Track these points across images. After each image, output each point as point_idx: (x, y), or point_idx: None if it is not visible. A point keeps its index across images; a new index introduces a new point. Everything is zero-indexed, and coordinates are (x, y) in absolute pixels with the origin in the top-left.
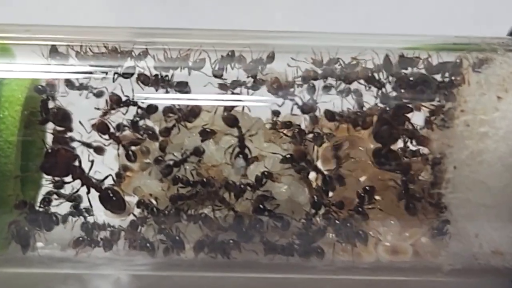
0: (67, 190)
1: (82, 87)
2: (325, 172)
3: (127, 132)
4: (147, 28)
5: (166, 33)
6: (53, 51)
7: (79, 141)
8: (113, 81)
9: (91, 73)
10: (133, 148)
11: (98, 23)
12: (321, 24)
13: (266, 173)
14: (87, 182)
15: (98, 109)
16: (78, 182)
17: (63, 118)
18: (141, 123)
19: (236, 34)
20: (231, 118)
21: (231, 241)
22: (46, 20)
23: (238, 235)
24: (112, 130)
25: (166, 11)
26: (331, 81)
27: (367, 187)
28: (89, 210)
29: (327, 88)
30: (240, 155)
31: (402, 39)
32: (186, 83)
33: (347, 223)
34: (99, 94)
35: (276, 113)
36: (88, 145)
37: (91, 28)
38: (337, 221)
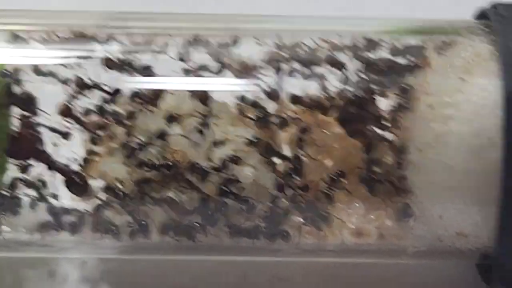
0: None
1: (46, 72)
2: (289, 156)
3: (94, 117)
4: (112, 12)
5: (131, 17)
6: (15, 37)
7: (44, 125)
8: (78, 66)
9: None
10: (100, 132)
11: (67, 7)
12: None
13: (231, 156)
14: (53, 165)
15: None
16: (43, 166)
17: (28, 102)
18: (108, 107)
19: (201, 18)
20: (203, 94)
21: (196, 224)
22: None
23: (203, 218)
24: (77, 114)
25: None
26: (296, 65)
27: (332, 171)
28: (55, 195)
29: (292, 72)
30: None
31: (368, 22)
32: (150, 67)
33: (311, 206)
34: (64, 80)
35: (241, 98)
36: (54, 130)
37: (56, 13)
38: (302, 204)
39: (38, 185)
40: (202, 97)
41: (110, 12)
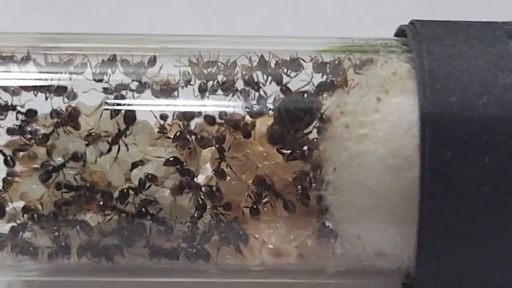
0: None
1: None
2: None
3: (12, 136)
4: (28, 32)
5: (48, 37)
6: None
7: None
8: None
9: None
10: (21, 153)
11: None
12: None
13: (149, 176)
14: None
15: None
16: None
17: None
18: (28, 127)
19: (118, 38)
20: (131, 115)
21: (113, 245)
22: None
23: (120, 239)
24: None
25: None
26: (214, 84)
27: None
28: None
29: (211, 91)
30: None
31: (284, 41)
32: (66, 88)
33: (231, 226)
34: None
35: (163, 117)
36: None
37: None
38: (221, 224)
39: None
40: (129, 119)
41: (25, 32)
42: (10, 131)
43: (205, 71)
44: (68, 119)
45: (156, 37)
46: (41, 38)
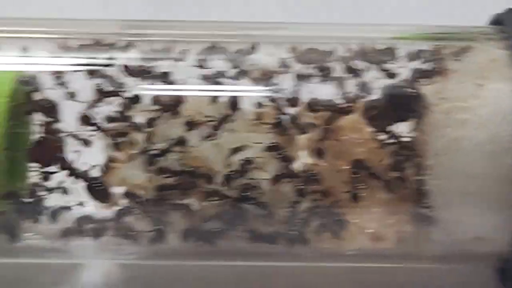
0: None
1: (66, 80)
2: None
3: (113, 123)
4: (131, 20)
5: (150, 25)
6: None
7: (66, 132)
8: (98, 73)
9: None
10: (120, 139)
11: (85, 16)
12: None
13: (250, 162)
14: (74, 172)
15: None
16: (65, 173)
17: (50, 109)
18: (127, 114)
19: (219, 25)
20: (234, 101)
21: (216, 229)
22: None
23: (223, 224)
24: (97, 122)
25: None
26: (311, 70)
27: (352, 175)
28: (77, 201)
29: (308, 78)
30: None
31: (381, 29)
32: (169, 73)
33: (330, 211)
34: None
35: (259, 104)
36: (75, 136)
37: (75, 21)
38: (320, 209)
39: (59, 192)
40: (221, 103)
41: (127, 20)
42: (110, 118)
43: (303, 58)
44: (172, 104)
45: (255, 24)
46: (140, 25)
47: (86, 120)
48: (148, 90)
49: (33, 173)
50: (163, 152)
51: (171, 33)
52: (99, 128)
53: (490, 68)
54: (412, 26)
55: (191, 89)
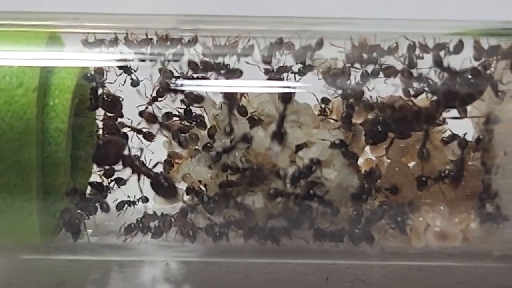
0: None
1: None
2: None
3: (174, 119)
4: (195, 15)
5: (214, 20)
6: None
7: (129, 127)
8: (163, 68)
9: (143, 60)
10: (182, 135)
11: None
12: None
13: (315, 159)
14: (138, 169)
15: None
16: (128, 170)
17: (113, 104)
18: (191, 110)
19: (284, 20)
20: (287, 96)
21: (281, 227)
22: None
23: (288, 222)
24: (159, 119)
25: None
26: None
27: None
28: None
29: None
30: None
31: (447, 24)
32: (237, 70)
33: (396, 209)
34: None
35: (325, 100)
36: (138, 131)
37: (138, 16)
38: (386, 207)
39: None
40: (286, 99)
41: (187, 15)
42: (167, 114)
43: (366, 54)
44: (235, 101)
45: (317, 20)
46: (204, 21)
47: (147, 118)
48: (212, 86)
49: (97, 170)
50: (228, 149)
51: (235, 29)
52: (162, 126)
53: None
54: (475, 22)
55: (256, 85)
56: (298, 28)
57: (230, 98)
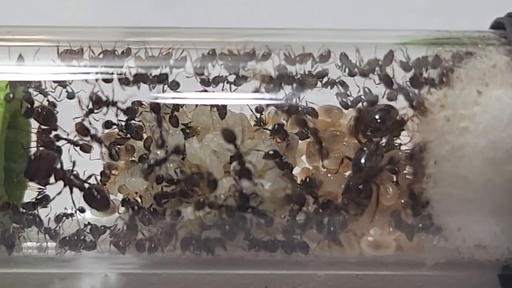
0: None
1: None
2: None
3: (110, 131)
4: (129, 27)
5: (147, 32)
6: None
7: (65, 139)
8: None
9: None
10: (118, 146)
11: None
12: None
13: (249, 169)
14: (70, 182)
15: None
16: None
17: (47, 117)
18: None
19: (217, 32)
20: (229, 133)
21: (215, 238)
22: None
23: (222, 233)
24: (92, 131)
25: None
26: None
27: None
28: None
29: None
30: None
31: (380, 34)
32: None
33: (330, 218)
34: (71, 96)
35: (259, 110)
36: (74, 143)
37: (72, 29)
38: (320, 216)
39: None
40: (220, 110)
41: (126, 27)
42: (107, 125)
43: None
44: (171, 112)
45: (251, 30)
46: (137, 33)
47: (80, 131)
48: (146, 98)
49: (31, 184)
50: (164, 160)
51: (168, 40)
52: (94, 138)
53: (490, 74)
54: (410, 31)
55: (189, 96)
56: (231, 39)
57: (157, 110)
